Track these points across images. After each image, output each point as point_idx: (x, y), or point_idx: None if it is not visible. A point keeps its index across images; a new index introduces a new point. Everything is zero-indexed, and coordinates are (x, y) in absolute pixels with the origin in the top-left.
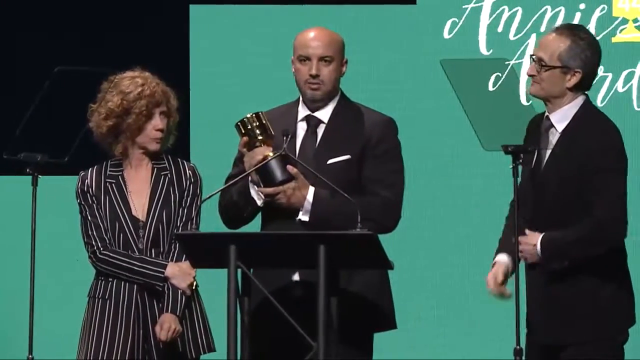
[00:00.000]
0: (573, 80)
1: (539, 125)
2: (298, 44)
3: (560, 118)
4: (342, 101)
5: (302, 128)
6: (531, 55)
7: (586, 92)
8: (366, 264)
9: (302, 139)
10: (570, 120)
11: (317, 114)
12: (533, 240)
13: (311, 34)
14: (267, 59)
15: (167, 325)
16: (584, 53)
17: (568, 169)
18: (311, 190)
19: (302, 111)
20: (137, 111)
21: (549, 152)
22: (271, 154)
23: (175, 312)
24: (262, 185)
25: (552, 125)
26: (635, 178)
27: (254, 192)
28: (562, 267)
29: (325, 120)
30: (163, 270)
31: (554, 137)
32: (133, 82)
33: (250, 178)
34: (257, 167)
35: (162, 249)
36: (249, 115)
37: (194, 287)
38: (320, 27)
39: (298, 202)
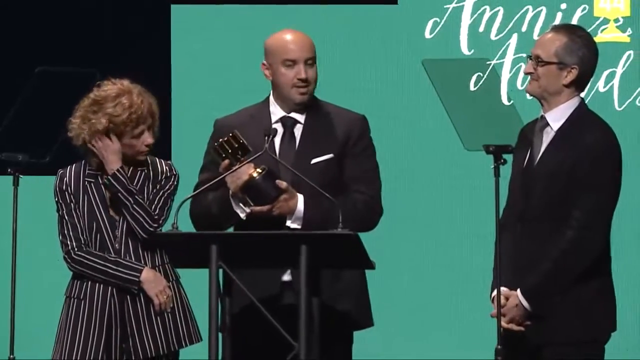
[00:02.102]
0: (570, 77)
1: (532, 128)
2: (279, 48)
3: (556, 117)
4: (314, 101)
5: (278, 130)
6: (528, 55)
7: (581, 95)
8: (348, 263)
9: (280, 141)
10: (566, 120)
11: (292, 115)
12: (514, 301)
13: (289, 36)
14: (248, 59)
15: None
16: (581, 50)
17: (559, 164)
18: (300, 198)
19: (276, 112)
20: (129, 136)
21: (542, 149)
22: (255, 173)
23: None
24: (251, 204)
25: (547, 124)
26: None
27: (236, 207)
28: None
29: (302, 120)
30: (138, 275)
31: (548, 136)
32: (120, 104)
33: (231, 193)
34: (230, 173)
35: (139, 239)
36: (225, 138)
37: (167, 297)
38: (292, 30)
39: (289, 212)
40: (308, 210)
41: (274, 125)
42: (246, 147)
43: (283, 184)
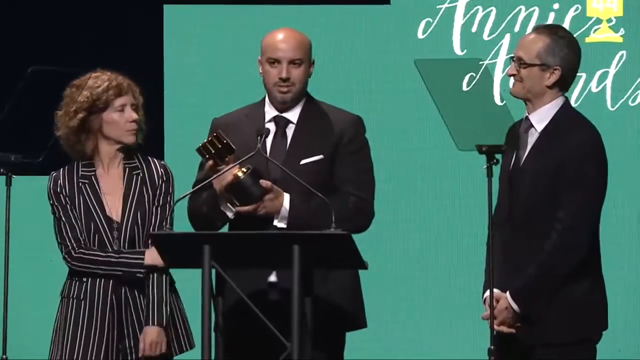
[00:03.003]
0: (552, 78)
1: (517, 129)
2: (267, 46)
3: (540, 118)
4: (309, 101)
5: (271, 129)
6: (511, 57)
7: (565, 95)
8: (341, 264)
9: (272, 140)
10: (550, 121)
11: (285, 115)
12: (504, 304)
13: (280, 36)
14: (241, 59)
15: (156, 341)
16: (563, 51)
17: (544, 164)
18: (286, 197)
19: (270, 112)
20: (112, 109)
21: (527, 151)
22: (240, 172)
23: (161, 323)
24: (237, 204)
25: (531, 126)
26: (609, 179)
27: (224, 207)
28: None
29: (294, 120)
30: (142, 257)
31: (533, 137)
32: (99, 78)
33: (218, 195)
34: (219, 175)
35: (138, 249)
36: (209, 139)
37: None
38: (288, 29)
39: (275, 211)
40: (293, 209)
41: (267, 125)
42: (230, 147)
43: (267, 183)
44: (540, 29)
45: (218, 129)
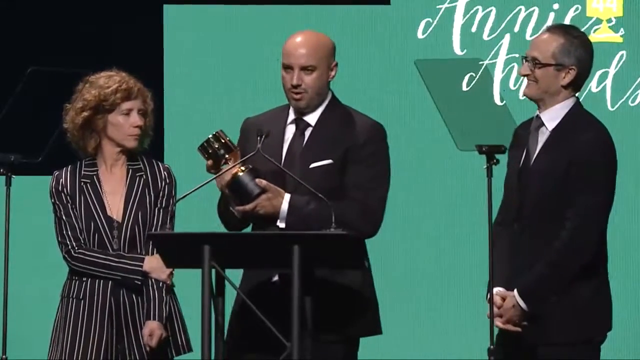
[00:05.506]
0: (567, 77)
1: (527, 127)
2: (283, 50)
3: (552, 117)
4: (331, 104)
5: (290, 131)
6: (524, 56)
7: (577, 95)
8: (340, 264)
9: (290, 142)
10: (561, 120)
11: (305, 117)
12: (511, 302)
13: (296, 40)
14: (241, 59)
15: (158, 333)
16: (578, 51)
17: (554, 163)
18: (286, 197)
19: (292, 114)
20: (119, 112)
21: (537, 149)
22: (239, 171)
23: (161, 319)
24: (238, 203)
25: (542, 124)
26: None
27: (231, 206)
28: (551, 302)
29: (313, 123)
30: (141, 264)
31: (543, 136)
32: (111, 79)
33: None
34: (221, 172)
35: (138, 250)
36: (209, 137)
37: (172, 280)
38: (308, 32)
39: (274, 211)
40: (292, 210)
41: (288, 126)
42: (229, 146)
43: (262, 182)
44: (553, 28)
45: (246, 129)
